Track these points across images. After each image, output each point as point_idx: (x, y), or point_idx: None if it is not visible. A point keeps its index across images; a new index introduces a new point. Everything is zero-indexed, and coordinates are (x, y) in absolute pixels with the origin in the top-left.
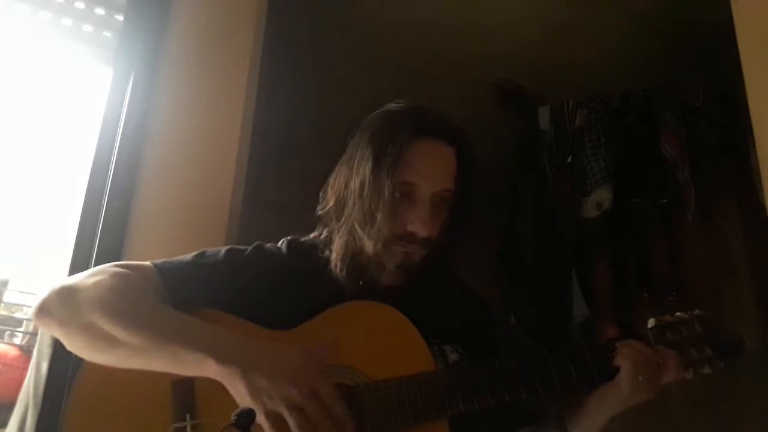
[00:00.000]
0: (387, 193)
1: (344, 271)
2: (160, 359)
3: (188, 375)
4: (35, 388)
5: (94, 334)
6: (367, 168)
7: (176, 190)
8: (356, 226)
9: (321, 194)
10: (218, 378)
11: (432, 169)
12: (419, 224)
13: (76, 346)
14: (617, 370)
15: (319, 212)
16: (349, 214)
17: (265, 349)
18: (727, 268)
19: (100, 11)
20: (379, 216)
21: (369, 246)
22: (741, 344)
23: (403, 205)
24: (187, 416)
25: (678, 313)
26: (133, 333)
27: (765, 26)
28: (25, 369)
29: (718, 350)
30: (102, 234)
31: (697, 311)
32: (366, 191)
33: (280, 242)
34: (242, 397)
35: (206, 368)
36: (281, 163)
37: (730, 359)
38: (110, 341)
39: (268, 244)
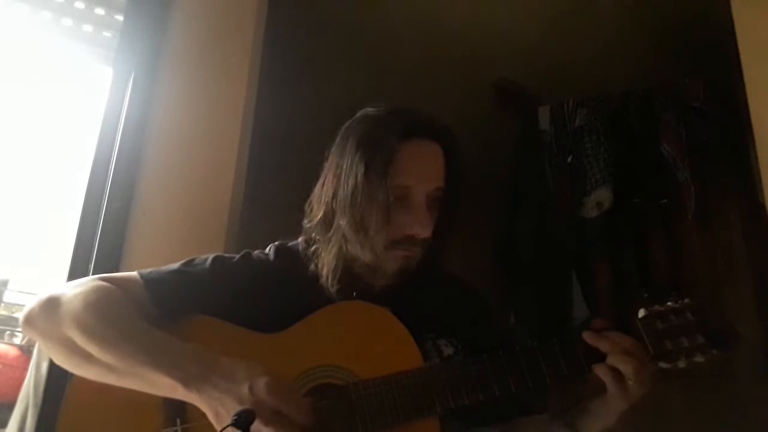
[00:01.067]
0: (381, 199)
1: (335, 287)
2: (132, 380)
3: (161, 396)
4: (35, 388)
5: (72, 349)
6: (358, 175)
7: (176, 190)
8: (348, 236)
9: (306, 206)
10: (188, 401)
11: (425, 169)
12: (419, 227)
13: (57, 358)
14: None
15: (306, 225)
16: (339, 225)
17: (229, 374)
18: (727, 268)
19: (100, 11)
20: (373, 223)
21: (365, 254)
22: (734, 332)
23: (398, 209)
24: (178, 421)
25: (668, 303)
26: (107, 352)
27: (765, 26)
28: (25, 369)
29: (710, 339)
30: (102, 234)
31: (687, 300)
32: (359, 199)
33: (267, 248)
34: (212, 421)
35: (176, 392)
36: (281, 163)
37: (723, 348)
38: (87, 357)
39: (255, 252)
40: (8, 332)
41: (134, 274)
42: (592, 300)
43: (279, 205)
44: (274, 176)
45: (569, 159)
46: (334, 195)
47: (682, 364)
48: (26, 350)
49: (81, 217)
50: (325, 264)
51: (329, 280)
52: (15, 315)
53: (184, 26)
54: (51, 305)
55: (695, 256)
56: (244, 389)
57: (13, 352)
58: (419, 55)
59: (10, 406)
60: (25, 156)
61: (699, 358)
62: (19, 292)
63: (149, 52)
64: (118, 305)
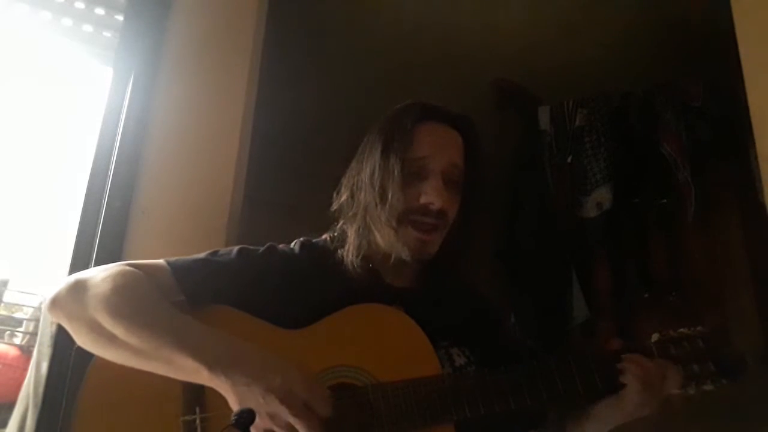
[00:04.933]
0: (397, 171)
1: (359, 258)
2: (157, 363)
3: (184, 380)
4: (35, 388)
5: (98, 331)
6: (376, 154)
7: (176, 190)
8: (369, 210)
9: (335, 194)
10: (211, 386)
11: (440, 144)
12: (432, 194)
13: (82, 340)
14: (623, 385)
15: (334, 208)
16: (361, 201)
17: (259, 361)
18: (727, 268)
19: (100, 11)
20: (390, 193)
21: (382, 231)
22: (743, 362)
23: (415, 182)
24: (197, 409)
25: (681, 329)
26: (132, 335)
27: (765, 26)
28: (25, 369)
29: (720, 367)
30: (102, 234)
31: (700, 327)
32: (377, 174)
33: (293, 243)
34: (233, 408)
35: (199, 376)
36: (281, 163)
37: (732, 377)
38: (112, 340)
39: (280, 245)
40: (8, 332)
41: (161, 261)
42: (592, 300)
43: (279, 205)
44: (274, 176)
45: (569, 159)
46: (358, 176)
47: (692, 390)
48: (26, 350)
49: (81, 217)
50: (350, 242)
51: (352, 254)
52: (15, 315)
53: (184, 26)
54: (78, 288)
55: (695, 256)
56: (277, 378)
57: (13, 352)
58: (419, 55)
59: (10, 406)
60: (25, 156)
61: (708, 386)
62: (19, 292)
63: (149, 52)
64: (145, 289)
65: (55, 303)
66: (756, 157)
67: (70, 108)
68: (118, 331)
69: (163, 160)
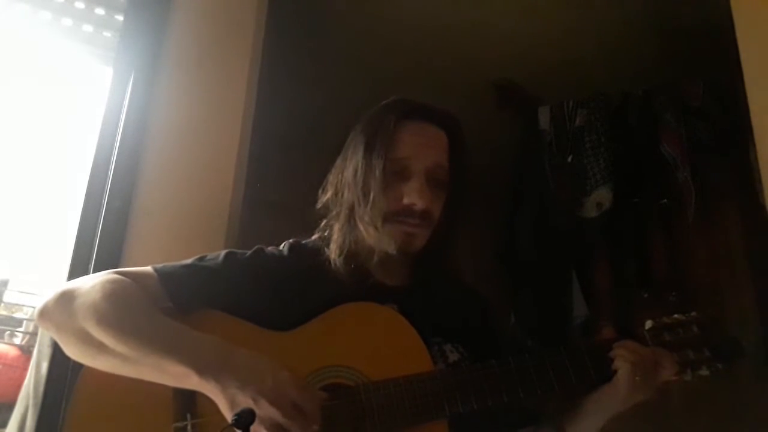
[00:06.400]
0: (379, 171)
1: (342, 257)
2: (146, 369)
3: (174, 386)
4: (35, 388)
5: (86, 340)
6: (359, 153)
7: (176, 190)
8: (352, 210)
9: (320, 191)
10: (201, 391)
11: (423, 144)
12: (415, 195)
13: (71, 351)
14: (615, 371)
15: (318, 206)
16: (345, 199)
17: (249, 364)
18: (727, 268)
19: (100, 11)
20: (372, 194)
21: (367, 230)
22: (738, 347)
23: (398, 182)
24: (188, 416)
25: (675, 315)
26: (121, 342)
27: (765, 26)
28: (25, 369)
29: (715, 352)
30: (102, 234)
31: (694, 313)
32: (359, 174)
33: (282, 245)
34: (224, 412)
35: (189, 381)
36: (281, 163)
37: (727, 362)
38: (101, 348)
39: (269, 247)
40: (8, 332)
41: (148, 268)
42: (592, 300)
43: (279, 205)
44: (274, 176)
45: (569, 159)
46: (342, 174)
47: (687, 377)
48: (26, 350)
49: (81, 217)
50: (333, 240)
51: (336, 252)
52: (15, 315)
53: (184, 26)
54: (66, 298)
55: (695, 256)
56: (268, 380)
57: (13, 352)
58: (419, 55)
59: (10, 406)
60: (25, 156)
61: (704, 371)
62: (19, 292)
63: (149, 52)
64: (133, 296)
65: (44, 314)
66: (756, 157)
67: (70, 108)
68: (107, 339)
69: (163, 160)
